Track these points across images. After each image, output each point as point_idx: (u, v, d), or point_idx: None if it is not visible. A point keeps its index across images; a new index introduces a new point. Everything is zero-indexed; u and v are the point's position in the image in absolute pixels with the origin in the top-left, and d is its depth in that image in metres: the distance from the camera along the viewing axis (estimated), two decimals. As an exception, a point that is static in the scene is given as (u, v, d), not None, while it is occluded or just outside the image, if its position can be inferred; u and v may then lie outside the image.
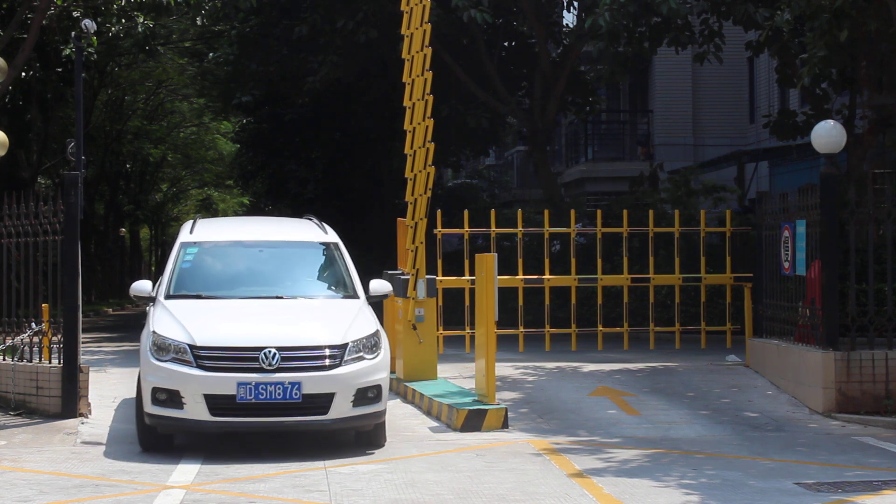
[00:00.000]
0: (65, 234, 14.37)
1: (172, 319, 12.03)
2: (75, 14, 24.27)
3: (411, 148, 16.28)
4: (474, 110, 27.69)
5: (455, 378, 16.46)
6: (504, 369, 16.92)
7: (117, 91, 41.52)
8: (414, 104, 16.25)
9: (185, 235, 13.51)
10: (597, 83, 30.32)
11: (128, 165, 46.57)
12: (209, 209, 58.79)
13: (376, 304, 13.20)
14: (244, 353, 11.57)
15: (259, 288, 12.91)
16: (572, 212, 19.48)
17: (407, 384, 15.86)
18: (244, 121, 39.15)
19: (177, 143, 48.72)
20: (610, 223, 20.60)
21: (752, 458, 11.93)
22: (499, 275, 14.43)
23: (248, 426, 11.65)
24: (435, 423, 14.00)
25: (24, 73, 25.72)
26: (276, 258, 13.42)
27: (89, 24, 22.82)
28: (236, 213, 57.01)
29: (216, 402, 11.48)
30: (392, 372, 16.97)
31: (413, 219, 16.18)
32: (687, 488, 10.43)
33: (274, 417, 11.54)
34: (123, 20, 25.68)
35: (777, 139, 24.21)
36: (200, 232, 13.57)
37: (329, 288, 13.22)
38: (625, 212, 19.35)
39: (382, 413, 12.11)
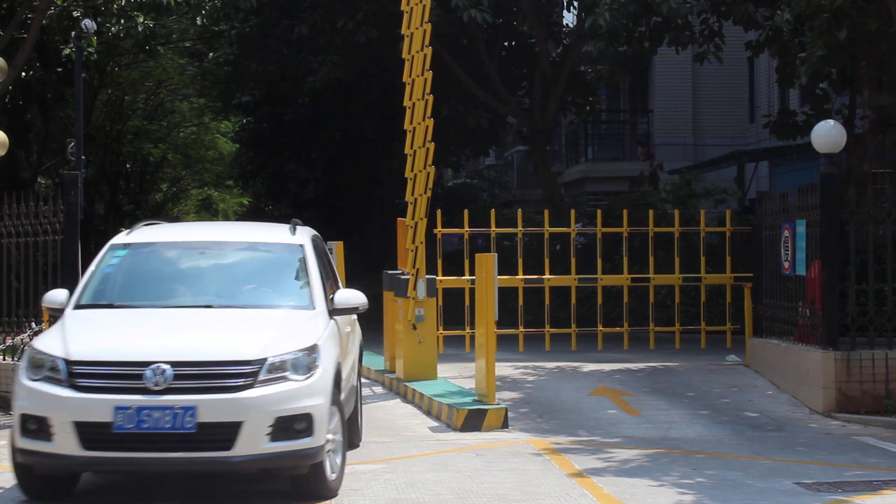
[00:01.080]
0: (65, 234, 14.38)
1: (60, 332, 9.80)
2: (75, 14, 24.24)
3: (411, 148, 16.28)
4: (474, 110, 27.68)
5: (455, 378, 16.46)
6: (504, 369, 16.92)
7: (117, 91, 41.49)
8: (414, 104, 16.25)
9: (118, 237, 11.35)
10: (597, 83, 30.31)
11: (128, 165, 46.51)
12: (209, 209, 58.75)
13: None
14: (125, 368, 9.23)
15: (188, 296, 10.63)
16: (572, 212, 19.50)
17: (407, 384, 15.87)
18: (244, 121, 39.15)
19: (177, 142, 48.68)
20: (610, 223, 20.62)
21: (752, 458, 11.94)
22: (499, 275, 14.44)
23: (126, 463, 9.26)
24: (435, 423, 14.01)
25: (24, 73, 25.69)
26: (218, 261, 11.16)
27: (89, 24, 22.81)
28: (236, 213, 56.98)
29: (88, 432, 9.10)
30: (392, 371, 17.05)
31: (413, 219, 16.19)
32: (687, 488, 10.43)
33: (160, 453, 9.14)
34: (123, 20, 25.63)
35: (777, 139, 24.19)
36: (140, 234, 11.34)
37: (277, 296, 10.77)
38: (625, 212, 19.37)
39: (318, 451, 9.53)
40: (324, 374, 9.67)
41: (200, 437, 9.11)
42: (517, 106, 28.91)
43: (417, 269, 16.05)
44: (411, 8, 16.33)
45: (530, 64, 28.76)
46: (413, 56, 16.28)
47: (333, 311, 10.62)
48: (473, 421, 13.54)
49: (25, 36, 22.51)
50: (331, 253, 20.67)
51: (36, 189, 30.38)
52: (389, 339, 17.48)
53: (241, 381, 9.26)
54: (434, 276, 16.67)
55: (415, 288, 16.05)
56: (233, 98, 32.98)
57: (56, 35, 25.78)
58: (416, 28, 16.20)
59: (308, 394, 9.46)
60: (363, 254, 31.38)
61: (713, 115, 35.76)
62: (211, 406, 9.14)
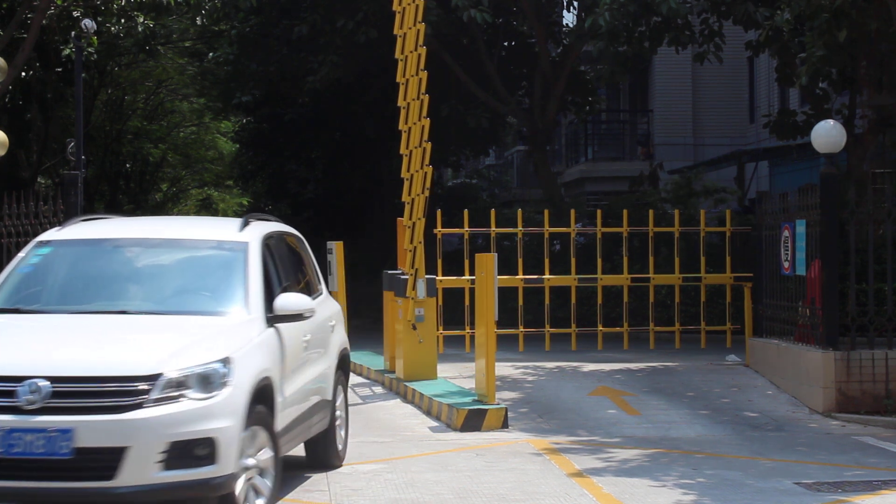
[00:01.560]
0: (65, 233, 14.35)
1: None
2: (75, 14, 24.26)
3: (407, 148, 16.26)
4: (474, 110, 27.69)
5: (455, 378, 16.46)
6: (504, 369, 16.92)
7: (117, 91, 41.49)
8: (409, 104, 16.20)
9: (47, 233, 10.39)
10: (597, 83, 30.31)
11: (128, 165, 46.51)
12: (209, 209, 58.79)
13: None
14: None
15: (105, 300, 9.56)
16: (572, 212, 19.51)
17: (407, 384, 15.87)
18: (244, 121, 39.15)
19: (177, 142, 48.70)
20: (610, 223, 20.63)
21: (752, 458, 11.94)
22: (499, 275, 14.43)
23: None
24: (435, 423, 14.01)
25: (24, 73, 25.71)
26: (147, 261, 10.06)
27: (89, 24, 22.81)
28: (236, 213, 57.04)
29: None
30: (392, 371, 17.04)
31: (411, 219, 16.16)
32: (686, 488, 10.44)
33: (31, 482, 8.01)
34: (123, 20, 25.66)
35: (777, 139, 24.20)
36: (71, 230, 10.29)
37: (205, 300, 9.59)
38: (625, 212, 19.37)
39: (226, 481, 8.32)
40: (235, 391, 8.46)
41: (78, 465, 7.97)
42: (517, 106, 28.91)
43: (416, 269, 16.04)
44: (403, 8, 16.24)
45: (530, 64, 28.76)
46: (407, 56, 16.21)
47: (274, 319, 9.45)
48: (473, 421, 13.54)
49: (25, 36, 22.53)
50: (330, 253, 20.68)
51: (36, 189, 30.38)
52: (389, 338, 17.48)
53: (128, 400, 8.09)
54: (434, 276, 16.67)
55: (414, 288, 16.04)
56: (233, 98, 32.99)
57: (56, 35, 25.79)
58: (410, 28, 16.13)
59: (212, 414, 8.27)
60: (363, 254, 31.41)
61: (713, 115, 35.76)
62: (91, 429, 7.99)
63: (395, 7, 16.37)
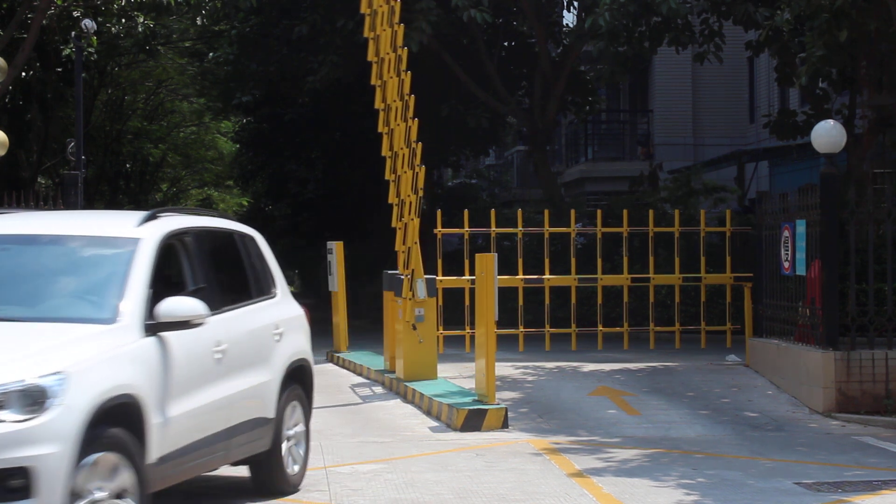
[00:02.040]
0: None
1: None
2: (75, 14, 24.28)
3: (391, 150, 16.21)
4: (474, 110, 27.71)
5: (455, 378, 16.46)
6: (504, 369, 16.93)
7: (117, 91, 41.50)
8: (388, 105, 16.10)
9: None
10: (597, 83, 30.33)
11: (128, 165, 46.52)
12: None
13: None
14: None
15: None
16: (572, 212, 19.52)
17: (407, 384, 15.87)
18: (244, 121, 39.16)
19: (177, 142, 48.72)
20: (610, 223, 20.63)
21: (752, 458, 11.95)
22: (499, 275, 14.43)
23: None
24: (435, 423, 14.01)
25: (24, 73, 25.72)
26: (18, 261, 8.75)
27: (89, 24, 22.83)
28: (236, 213, 57.00)
29: None
30: (392, 371, 17.04)
31: (401, 220, 16.10)
32: (686, 488, 10.44)
33: None
34: (123, 20, 25.69)
35: (777, 139, 24.21)
36: None
37: (71, 305, 8.32)
38: (625, 212, 19.38)
39: None
40: (68, 411, 7.21)
41: None
42: (517, 106, 28.92)
43: (413, 271, 16.00)
44: (374, 10, 15.97)
45: (530, 64, 28.77)
46: (383, 58, 16.00)
47: (156, 326, 8.24)
48: (473, 421, 13.54)
49: (25, 36, 22.53)
50: (330, 253, 20.64)
51: (36, 189, 30.36)
52: (389, 338, 17.48)
53: None
54: (434, 276, 16.67)
55: (410, 289, 16.02)
56: (233, 98, 33.01)
57: (56, 35, 25.80)
58: (384, 30, 15.96)
59: (32, 439, 7.05)
60: (364, 254, 31.42)
61: (713, 115, 35.76)
62: None
63: (364, 9, 16.16)
